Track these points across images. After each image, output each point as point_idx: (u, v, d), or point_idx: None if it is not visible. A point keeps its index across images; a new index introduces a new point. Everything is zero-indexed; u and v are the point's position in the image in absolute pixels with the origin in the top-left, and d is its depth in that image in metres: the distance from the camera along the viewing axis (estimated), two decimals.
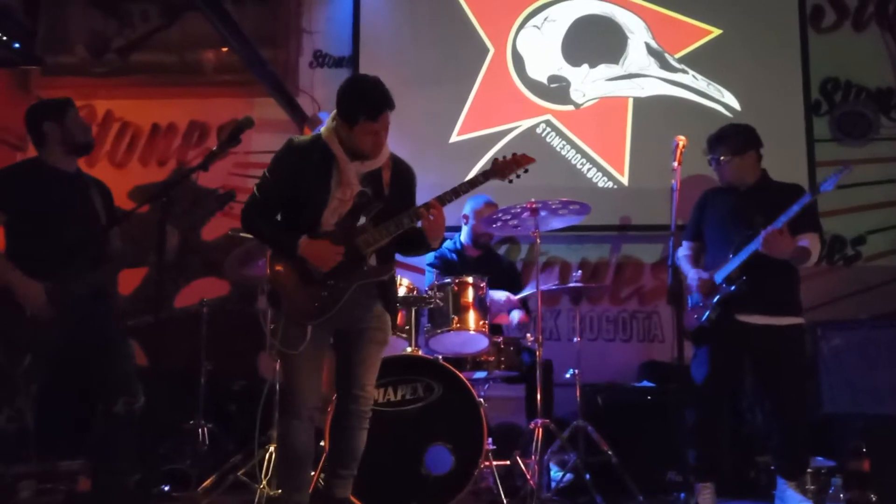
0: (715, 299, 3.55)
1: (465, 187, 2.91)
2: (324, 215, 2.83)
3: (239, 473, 3.63)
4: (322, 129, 2.93)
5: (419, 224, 2.89)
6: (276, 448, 2.90)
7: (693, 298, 3.66)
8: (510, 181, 3.01)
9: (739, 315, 3.53)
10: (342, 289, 2.80)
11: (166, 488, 3.87)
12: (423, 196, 2.98)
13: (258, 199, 2.88)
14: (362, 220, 2.84)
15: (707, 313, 3.58)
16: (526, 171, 3.02)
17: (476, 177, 2.95)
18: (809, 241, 3.55)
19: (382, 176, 2.91)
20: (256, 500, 3.23)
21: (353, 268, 2.82)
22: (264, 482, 3.28)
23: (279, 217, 2.91)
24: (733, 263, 3.52)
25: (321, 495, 2.92)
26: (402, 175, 2.98)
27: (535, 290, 3.84)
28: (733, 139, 3.67)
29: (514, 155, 3.01)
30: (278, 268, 2.85)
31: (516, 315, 4.12)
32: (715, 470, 3.57)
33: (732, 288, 3.50)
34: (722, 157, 3.64)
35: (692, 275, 3.67)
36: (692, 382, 3.60)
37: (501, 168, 2.99)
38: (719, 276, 3.56)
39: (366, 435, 2.92)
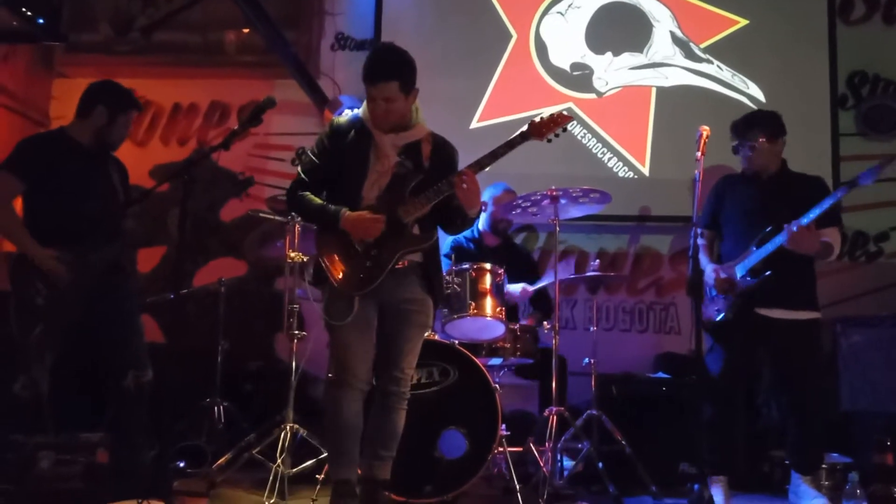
0: (737, 293, 3.53)
1: (503, 149, 2.90)
2: (364, 188, 2.89)
3: (254, 452, 3.65)
4: (359, 109, 2.98)
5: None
6: (325, 420, 2.91)
7: (712, 291, 3.64)
8: (549, 140, 2.97)
9: (759, 308, 3.50)
10: (386, 259, 2.84)
11: (182, 464, 3.91)
12: None
13: (302, 179, 2.96)
14: (403, 192, 2.87)
15: (727, 309, 3.55)
16: (564, 129, 2.98)
17: (514, 138, 2.92)
18: (832, 236, 3.51)
19: (422, 149, 2.94)
20: (271, 478, 3.24)
21: (396, 238, 2.85)
22: (279, 460, 3.30)
23: (324, 196, 2.95)
24: (757, 256, 3.48)
25: (362, 478, 2.92)
26: (443, 150, 3.00)
27: (551, 280, 3.83)
28: (768, 123, 3.63)
29: (551, 114, 2.97)
30: (325, 243, 2.91)
31: (518, 287, 4.11)
32: (729, 463, 3.56)
33: (755, 281, 3.47)
34: (759, 141, 3.58)
35: (709, 270, 3.64)
36: (708, 375, 3.59)
37: (539, 128, 2.95)
38: (742, 269, 3.53)
39: (404, 415, 2.95)
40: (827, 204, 3.34)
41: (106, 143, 3.41)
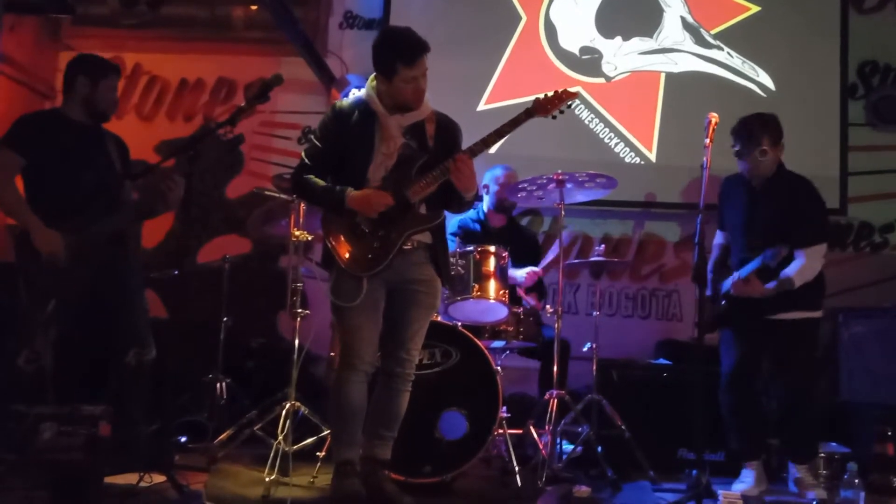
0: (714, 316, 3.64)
1: (508, 127, 2.92)
2: (370, 171, 2.89)
3: (255, 428, 3.67)
4: (362, 91, 2.98)
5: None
6: (330, 401, 2.95)
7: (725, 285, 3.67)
8: (553, 117, 2.98)
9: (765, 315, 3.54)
10: (393, 239, 2.85)
11: (183, 439, 3.93)
12: None
13: (307, 164, 2.95)
14: (409, 172, 2.88)
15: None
16: (569, 106, 2.99)
17: (518, 115, 2.93)
18: (800, 263, 3.47)
19: (426, 129, 2.94)
20: (272, 455, 3.26)
21: (403, 218, 2.87)
22: (280, 437, 3.32)
23: (329, 180, 2.94)
24: (731, 279, 3.58)
25: (362, 457, 2.95)
26: (447, 128, 3.00)
27: (555, 253, 3.89)
28: (773, 129, 3.58)
29: (555, 91, 2.98)
30: (331, 225, 2.91)
31: (522, 273, 4.10)
32: (760, 448, 3.62)
33: (723, 303, 3.60)
34: (764, 148, 3.53)
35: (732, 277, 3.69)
36: (722, 369, 3.65)
37: (544, 105, 2.96)
38: (725, 286, 3.64)
39: (408, 397, 2.98)
40: (755, 265, 3.43)
41: (97, 112, 3.42)
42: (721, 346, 3.67)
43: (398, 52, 2.82)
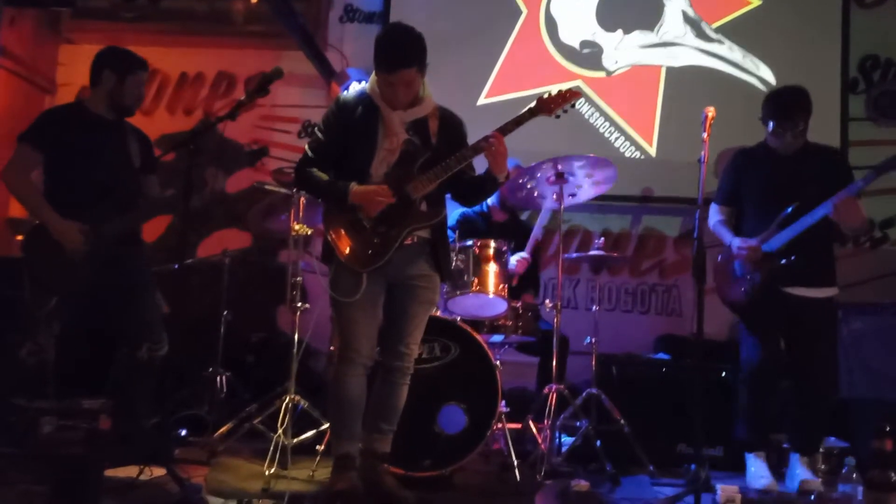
0: (760, 273, 3.52)
1: (512, 126, 2.89)
2: (372, 166, 2.88)
3: (255, 422, 3.68)
4: (366, 84, 2.97)
5: (472, 168, 2.92)
6: (329, 395, 2.96)
7: (738, 269, 3.62)
8: (557, 116, 2.96)
9: (785, 287, 3.51)
10: (394, 236, 2.85)
11: (183, 433, 3.94)
12: None
13: (310, 156, 2.93)
14: (411, 169, 2.87)
15: (752, 290, 3.55)
16: (573, 105, 2.97)
17: (522, 114, 2.91)
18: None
19: (429, 125, 2.93)
20: (272, 448, 3.27)
21: (404, 214, 2.86)
22: (280, 431, 3.32)
23: (332, 174, 2.93)
24: (785, 237, 3.47)
25: (362, 451, 2.96)
26: (451, 125, 2.99)
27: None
28: (807, 106, 3.58)
29: (559, 90, 2.96)
30: (333, 219, 2.91)
31: (513, 260, 4.08)
32: (766, 441, 3.66)
33: (783, 262, 3.47)
34: (802, 125, 3.55)
35: (737, 242, 3.61)
36: (744, 361, 3.64)
37: (547, 103, 2.94)
38: (767, 248, 3.52)
39: (407, 390, 2.99)
40: (870, 180, 3.34)
41: (121, 107, 3.41)
42: (744, 337, 3.67)
43: (379, 56, 2.80)
